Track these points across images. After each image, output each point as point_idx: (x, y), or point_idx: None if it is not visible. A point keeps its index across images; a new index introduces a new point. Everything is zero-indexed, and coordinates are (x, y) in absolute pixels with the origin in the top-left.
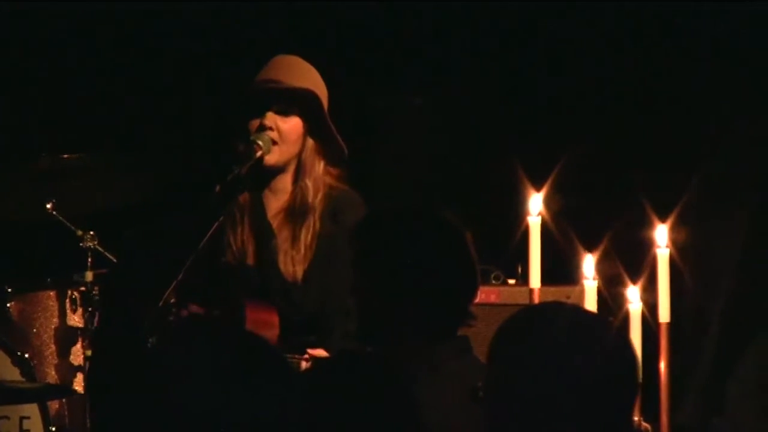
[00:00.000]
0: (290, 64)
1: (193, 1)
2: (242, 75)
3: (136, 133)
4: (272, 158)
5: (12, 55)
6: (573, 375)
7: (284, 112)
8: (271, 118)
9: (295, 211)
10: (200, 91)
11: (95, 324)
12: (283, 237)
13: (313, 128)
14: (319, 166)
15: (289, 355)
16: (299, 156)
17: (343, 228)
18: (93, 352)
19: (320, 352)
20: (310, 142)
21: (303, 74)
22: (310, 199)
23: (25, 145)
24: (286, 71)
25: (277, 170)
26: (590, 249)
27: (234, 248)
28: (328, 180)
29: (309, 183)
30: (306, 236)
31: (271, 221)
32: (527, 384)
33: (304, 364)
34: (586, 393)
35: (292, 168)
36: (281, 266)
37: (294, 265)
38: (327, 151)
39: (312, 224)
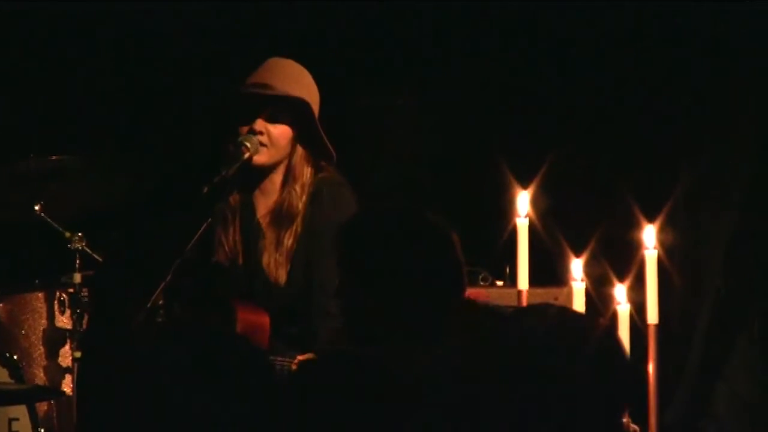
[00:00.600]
0: (283, 69)
1: (193, 1)
2: (241, 76)
3: (133, 133)
4: (261, 158)
5: (12, 55)
6: (563, 376)
7: (274, 118)
8: (261, 124)
9: (282, 215)
10: (199, 91)
11: (84, 326)
12: (268, 239)
13: (303, 134)
14: (308, 172)
15: (279, 358)
16: (289, 160)
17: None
18: (81, 354)
19: (309, 357)
20: (299, 147)
21: (296, 80)
22: (296, 204)
23: (23, 145)
24: (278, 76)
25: (267, 171)
26: (578, 250)
27: (226, 248)
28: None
29: (298, 188)
30: (288, 240)
31: (260, 221)
32: (517, 385)
33: (294, 368)
34: (576, 394)
35: (281, 170)
36: (265, 267)
37: (277, 268)
38: (316, 156)
39: (296, 228)
